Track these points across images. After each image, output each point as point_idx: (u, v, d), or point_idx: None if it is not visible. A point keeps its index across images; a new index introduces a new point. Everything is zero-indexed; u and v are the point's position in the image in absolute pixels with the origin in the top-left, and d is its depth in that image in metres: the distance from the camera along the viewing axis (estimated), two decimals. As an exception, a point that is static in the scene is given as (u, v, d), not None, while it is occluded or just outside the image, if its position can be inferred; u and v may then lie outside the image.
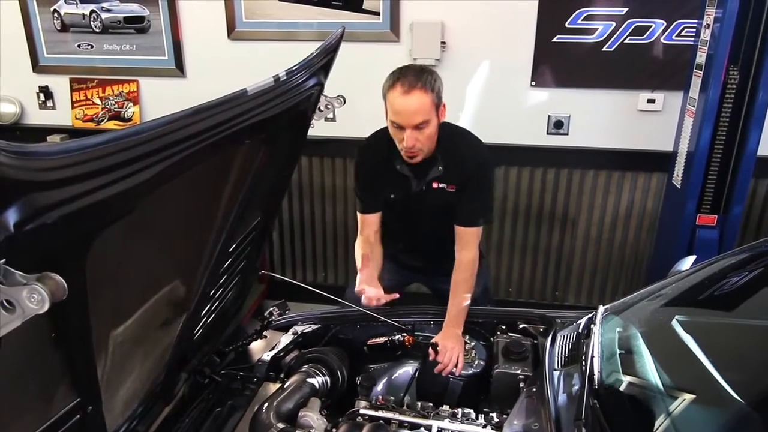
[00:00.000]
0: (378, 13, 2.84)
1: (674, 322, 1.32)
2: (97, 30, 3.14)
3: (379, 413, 1.48)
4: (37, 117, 3.38)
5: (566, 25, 2.72)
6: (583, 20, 2.71)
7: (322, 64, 1.28)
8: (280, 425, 1.36)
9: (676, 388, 1.19)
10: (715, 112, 2.34)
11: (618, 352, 1.37)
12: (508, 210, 3.08)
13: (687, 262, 1.67)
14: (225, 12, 2.96)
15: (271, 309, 1.83)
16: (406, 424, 1.45)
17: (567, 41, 2.74)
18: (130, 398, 1.28)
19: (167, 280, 1.22)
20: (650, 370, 1.24)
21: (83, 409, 1.00)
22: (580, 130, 2.89)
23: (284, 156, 1.44)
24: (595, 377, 1.25)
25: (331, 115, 1.41)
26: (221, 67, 3.04)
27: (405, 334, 1.75)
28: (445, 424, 1.44)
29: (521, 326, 1.83)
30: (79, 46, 3.20)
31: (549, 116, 2.88)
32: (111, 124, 3.31)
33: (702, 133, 2.36)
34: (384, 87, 1.81)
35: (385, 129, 1.90)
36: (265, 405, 1.44)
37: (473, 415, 1.50)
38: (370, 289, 1.86)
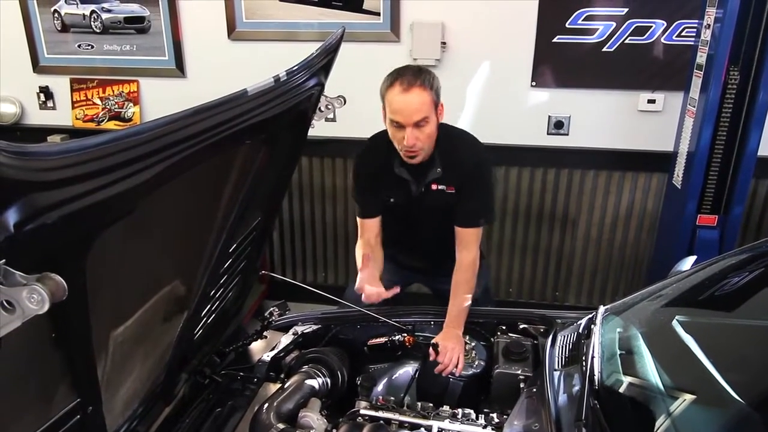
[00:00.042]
0: (378, 14, 2.84)
1: (675, 323, 1.32)
2: (98, 30, 3.14)
3: (380, 413, 1.48)
4: (37, 117, 3.38)
5: (566, 25, 2.72)
6: (583, 20, 2.71)
7: (322, 64, 1.28)
8: (281, 426, 1.36)
9: (677, 388, 1.19)
10: (716, 113, 2.33)
11: (618, 352, 1.37)
12: (509, 210, 3.08)
13: (687, 263, 1.66)
14: (225, 12, 2.96)
15: (272, 309, 1.83)
16: (406, 425, 1.45)
17: (567, 41, 2.74)
18: (131, 398, 1.28)
19: (167, 280, 1.22)
20: (651, 371, 1.24)
21: (83, 410, 1.00)
22: (581, 131, 2.88)
23: (284, 156, 1.44)
24: (596, 378, 1.25)
25: (331, 116, 1.41)
26: (221, 68, 3.04)
27: (405, 335, 1.75)
28: (446, 424, 1.44)
29: (521, 327, 1.83)
30: (79, 46, 3.20)
31: (549, 116, 2.88)
32: (111, 125, 3.31)
33: (702, 134, 2.36)
34: (382, 88, 1.80)
35: (383, 133, 1.90)
36: (266, 405, 1.44)
37: (473, 416, 1.50)
38: (370, 288, 1.85)
